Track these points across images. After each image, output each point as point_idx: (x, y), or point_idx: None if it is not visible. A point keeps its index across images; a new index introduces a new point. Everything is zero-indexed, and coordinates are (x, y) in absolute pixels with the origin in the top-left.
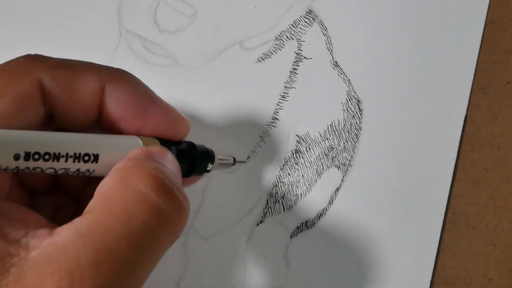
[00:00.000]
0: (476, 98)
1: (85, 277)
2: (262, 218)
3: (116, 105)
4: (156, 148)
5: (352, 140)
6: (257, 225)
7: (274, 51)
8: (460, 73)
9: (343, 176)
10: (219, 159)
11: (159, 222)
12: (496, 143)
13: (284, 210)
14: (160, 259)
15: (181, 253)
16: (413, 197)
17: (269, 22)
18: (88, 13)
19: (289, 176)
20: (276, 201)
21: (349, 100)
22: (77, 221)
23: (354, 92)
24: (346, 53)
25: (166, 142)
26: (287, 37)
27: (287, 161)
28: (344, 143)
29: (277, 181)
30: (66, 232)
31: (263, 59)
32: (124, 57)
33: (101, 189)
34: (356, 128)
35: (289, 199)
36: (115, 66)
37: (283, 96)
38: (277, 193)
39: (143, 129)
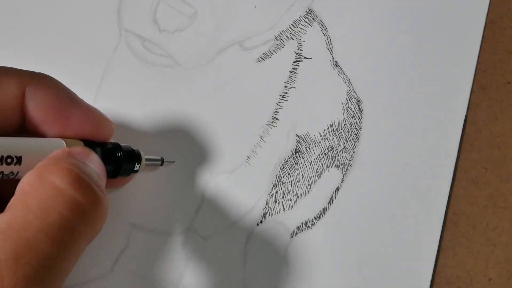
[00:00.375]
0: (476, 98)
1: (4, 273)
2: (262, 218)
3: (37, 108)
4: (79, 149)
5: (352, 140)
6: (257, 225)
7: (274, 51)
8: (460, 73)
9: (343, 176)
10: (146, 159)
11: (77, 216)
12: (496, 143)
13: (284, 210)
14: (81, 254)
15: (180, 253)
16: (413, 197)
17: (269, 22)
18: (88, 13)
19: (289, 176)
20: (276, 201)
21: (349, 100)
22: None
23: (354, 92)
24: (346, 53)
25: (91, 144)
26: (287, 37)
27: (287, 161)
28: (344, 143)
29: (277, 181)
30: None
31: (263, 59)
32: (124, 57)
33: (20, 186)
34: (356, 128)
35: (289, 199)
36: (115, 66)
37: (283, 96)
38: (277, 193)
39: (66, 131)
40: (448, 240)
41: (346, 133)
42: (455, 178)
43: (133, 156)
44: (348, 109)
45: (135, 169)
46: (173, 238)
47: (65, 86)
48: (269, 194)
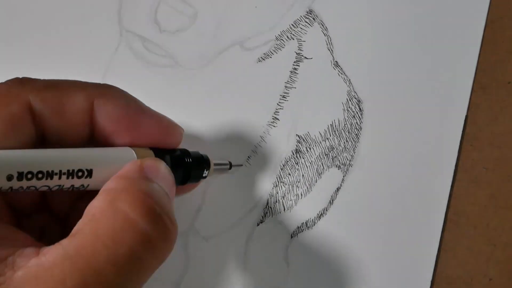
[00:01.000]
0: (477, 98)
1: None
2: (263, 218)
3: (107, 120)
4: (149, 162)
5: (352, 140)
6: (258, 225)
7: (274, 51)
8: (461, 73)
9: (344, 176)
10: (215, 165)
11: (146, 248)
12: (496, 143)
13: (284, 210)
14: (145, 283)
15: (181, 253)
16: (413, 197)
17: (269, 22)
18: (89, 13)
19: (289, 176)
20: (276, 201)
21: (350, 100)
22: (65, 242)
23: (355, 92)
24: (346, 53)
25: (160, 151)
26: (287, 37)
27: (287, 161)
28: (344, 143)
29: (278, 181)
30: (53, 253)
31: (264, 59)
32: (125, 57)
33: (90, 211)
34: (356, 128)
35: (290, 199)
36: (116, 66)
37: (283, 96)
38: (277, 193)
39: (136, 140)
40: (448, 240)
41: (347, 133)
42: (455, 178)
43: (202, 162)
44: (349, 109)
45: (204, 175)
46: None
47: (132, 96)
48: (269, 194)
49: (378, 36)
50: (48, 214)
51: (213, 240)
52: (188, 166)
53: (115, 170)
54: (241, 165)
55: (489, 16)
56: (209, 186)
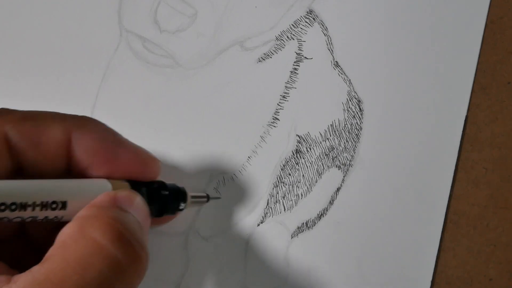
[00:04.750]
0: (477, 98)
1: None
2: (263, 218)
3: (84, 153)
4: (124, 193)
5: (352, 140)
6: (258, 225)
7: (274, 51)
8: (461, 73)
9: (344, 176)
10: (192, 197)
11: (115, 274)
12: (496, 144)
13: (284, 210)
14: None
15: (181, 253)
16: (413, 197)
17: (269, 22)
18: (88, 13)
19: (289, 176)
20: (276, 201)
21: (350, 100)
22: (35, 269)
23: (355, 92)
24: (346, 53)
25: (136, 183)
26: (287, 37)
27: (287, 161)
28: (344, 143)
29: (278, 181)
30: (23, 280)
31: (264, 59)
32: (125, 57)
33: (60, 237)
34: (356, 128)
35: (290, 199)
36: (116, 66)
37: (283, 96)
38: (277, 193)
39: (113, 172)
40: (448, 240)
41: (347, 133)
42: (455, 178)
43: (179, 195)
44: (349, 109)
45: (181, 207)
46: (174, 238)
47: (110, 128)
48: (269, 194)
49: (378, 36)
50: (25, 241)
51: (213, 240)
52: (165, 199)
53: (90, 201)
54: (219, 197)
55: (489, 16)
56: (209, 186)
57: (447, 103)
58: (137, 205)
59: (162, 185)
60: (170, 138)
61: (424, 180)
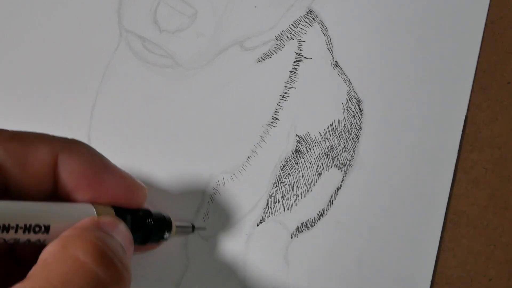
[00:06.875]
0: (477, 98)
1: None
2: (262, 218)
3: (70, 175)
4: (107, 219)
5: (352, 140)
6: (257, 225)
7: (274, 51)
8: (461, 74)
9: (344, 176)
10: (177, 227)
11: None
12: (496, 144)
13: (284, 210)
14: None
15: (181, 253)
16: (413, 197)
17: (269, 22)
18: (88, 13)
19: (289, 176)
20: (276, 201)
21: (350, 100)
22: (17, 286)
23: (355, 92)
24: (346, 53)
25: (121, 210)
26: (287, 37)
27: (287, 161)
28: (344, 143)
29: (277, 181)
30: None
31: (263, 59)
32: (124, 57)
33: (43, 255)
34: (356, 128)
35: (289, 199)
36: (116, 66)
37: (283, 96)
38: (277, 193)
39: (98, 197)
40: (448, 240)
41: (347, 133)
42: (455, 178)
43: (164, 224)
44: (349, 109)
45: (165, 237)
46: (174, 239)
47: (97, 152)
48: (269, 194)
49: (378, 36)
50: (14, 261)
51: (213, 240)
52: (149, 227)
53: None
54: (205, 228)
55: (489, 16)
56: (209, 186)
57: (447, 103)
58: (120, 230)
59: (147, 213)
60: (169, 138)
61: (424, 180)
